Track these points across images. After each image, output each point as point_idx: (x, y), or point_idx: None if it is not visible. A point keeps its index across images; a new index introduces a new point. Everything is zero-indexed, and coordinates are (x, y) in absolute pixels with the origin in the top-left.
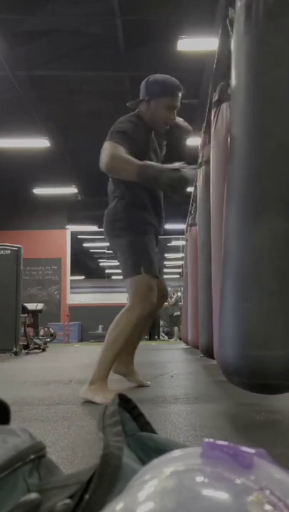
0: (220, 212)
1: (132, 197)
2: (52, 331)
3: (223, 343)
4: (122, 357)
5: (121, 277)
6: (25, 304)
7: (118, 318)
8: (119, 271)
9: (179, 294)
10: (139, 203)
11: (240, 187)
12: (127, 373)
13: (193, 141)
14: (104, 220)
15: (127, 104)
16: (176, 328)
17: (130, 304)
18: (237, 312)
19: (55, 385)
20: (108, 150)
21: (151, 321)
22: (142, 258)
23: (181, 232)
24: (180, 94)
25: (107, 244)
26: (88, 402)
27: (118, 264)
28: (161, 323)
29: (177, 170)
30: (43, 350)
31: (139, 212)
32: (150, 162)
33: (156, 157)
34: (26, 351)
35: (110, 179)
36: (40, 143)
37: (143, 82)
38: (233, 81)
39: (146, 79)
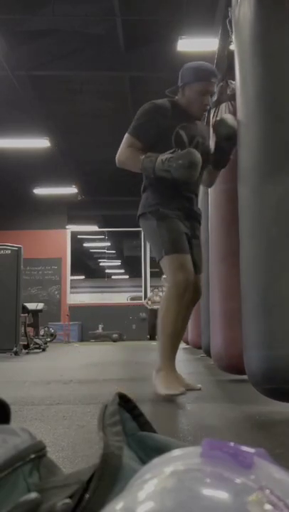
0: (219, 212)
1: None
2: (52, 331)
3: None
4: None
5: (121, 277)
6: (25, 304)
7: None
8: (120, 271)
9: None
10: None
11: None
12: None
13: None
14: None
15: (166, 91)
16: None
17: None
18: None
19: (55, 385)
20: (123, 142)
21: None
22: (163, 241)
23: None
24: (214, 80)
25: (107, 244)
26: (88, 402)
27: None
28: None
29: (175, 153)
30: (43, 350)
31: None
32: (151, 154)
33: (198, 145)
34: (26, 351)
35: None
36: (40, 143)
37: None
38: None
39: (183, 66)
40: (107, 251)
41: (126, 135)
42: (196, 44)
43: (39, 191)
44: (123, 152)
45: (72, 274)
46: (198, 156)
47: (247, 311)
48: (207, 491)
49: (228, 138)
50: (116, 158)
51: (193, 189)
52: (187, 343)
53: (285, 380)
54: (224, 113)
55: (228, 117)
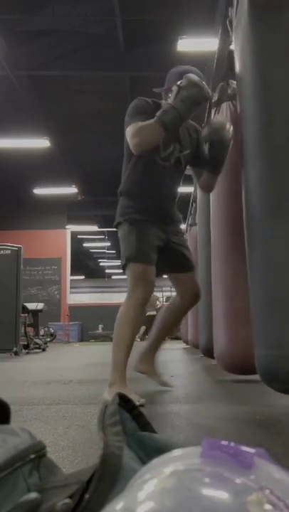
0: (220, 212)
1: (126, 187)
2: (52, 331)
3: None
4: (143, 355)
5: (121, 277)
6: (25, 304)
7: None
8: (120, 271)
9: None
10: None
11: (258, 179)
12: (148, 372)
13: None
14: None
15: (154, 89)
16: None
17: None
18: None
19: (55, 385)
20: (129, 132)
21: (179, 319)
22: (131, 247)
23: None
24: None
25: (107, 244)
26: (88, 402)
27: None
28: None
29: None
30: (43, 350)
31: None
32: (161, 110)
33: (182, 145)
34: (26, 351)
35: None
36: (40, 143)
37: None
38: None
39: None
40: (107, 251)
41: (128, 128)
42: (196, 44)
43: (39, 191)
44: (133, 134)
45: (72, 274)
46: (193, 76)
47: (256, 310)
48: (207, 491)
49: (216, 143)
50: (132, 147)
51: (172, 187)
52: (187, 343)
53: None
54: (224, 113)
55: (216, 122)
